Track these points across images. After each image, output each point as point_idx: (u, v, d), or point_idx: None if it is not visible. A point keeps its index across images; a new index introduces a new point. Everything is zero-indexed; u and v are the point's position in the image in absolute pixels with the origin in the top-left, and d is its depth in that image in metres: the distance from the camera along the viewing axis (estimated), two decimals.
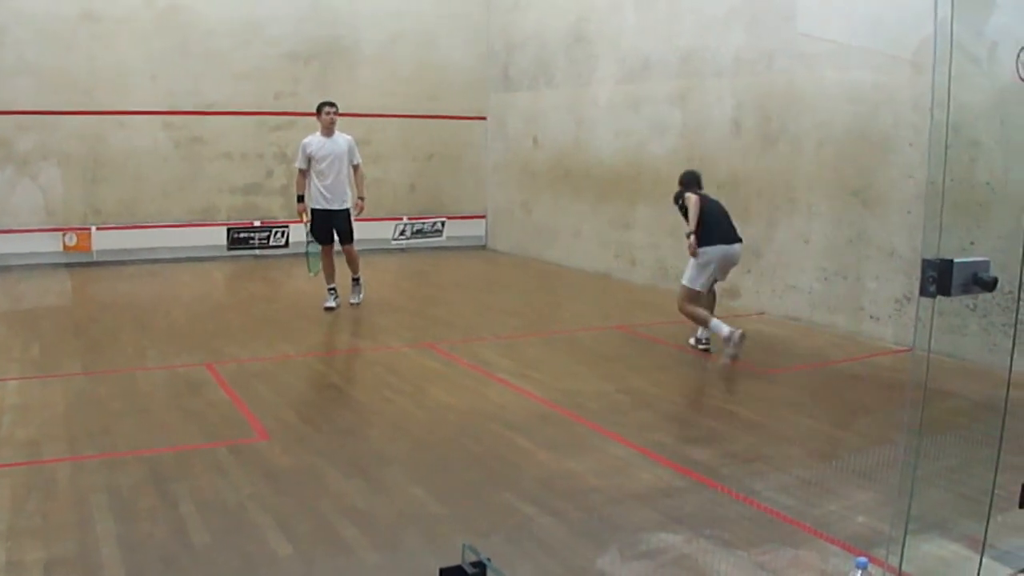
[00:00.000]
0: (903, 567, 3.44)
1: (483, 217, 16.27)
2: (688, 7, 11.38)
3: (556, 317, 10.57)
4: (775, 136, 10.16)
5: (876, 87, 8.93)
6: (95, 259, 13.23)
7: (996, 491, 3.68)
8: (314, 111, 10.01)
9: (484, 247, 16.12)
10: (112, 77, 13.19)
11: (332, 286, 10.29)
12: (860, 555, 3.43)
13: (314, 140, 10.05)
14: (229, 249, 14.19)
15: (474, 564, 3.22)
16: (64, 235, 13.17)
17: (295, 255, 14.12)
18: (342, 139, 10.12)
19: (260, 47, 14.08)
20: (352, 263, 10.44)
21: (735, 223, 8.43)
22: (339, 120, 10.03)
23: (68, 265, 12.98)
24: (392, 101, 15.01)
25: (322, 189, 10.03)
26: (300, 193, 10.26)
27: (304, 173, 10.12)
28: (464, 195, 16.21)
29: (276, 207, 14.54)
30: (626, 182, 12.30)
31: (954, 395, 6.61)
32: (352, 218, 10.28)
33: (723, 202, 8.50)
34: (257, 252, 14.34)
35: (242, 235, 14.27)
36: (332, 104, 10.06)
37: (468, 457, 5.60)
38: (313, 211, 10.20)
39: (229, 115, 13.99)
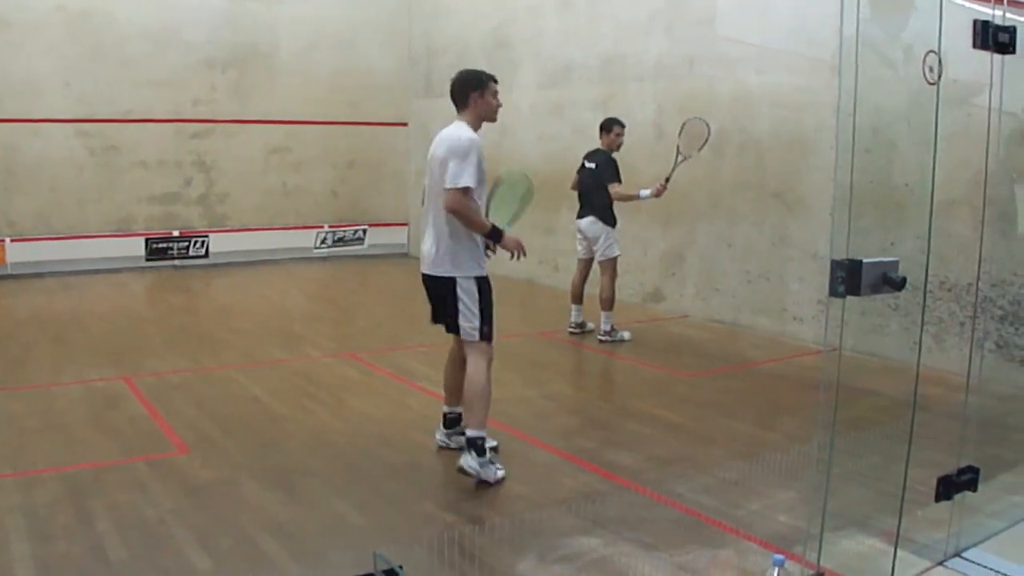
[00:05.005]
0: (821, 562, 3.47)
1: (405, 225, 16.20)
2: (608, 12, 11.44)
3: None
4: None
5: (797, 90, 9.05)
6: (9, 272, 12.90)
7: (915, 486, 3.73)
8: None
9: (406, 255, 15.99)
10: (24, 84, 12.88)
11: (455, 411, 5.82)
12: (778, 553, 3.46)
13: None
14: (148, 260, 13.91)
15: (386, 572, 3.20)
16: None
17: (215, 265, 14.00)
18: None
19: (176, 54, 13.84)
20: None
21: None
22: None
23: None
24: (312, 108, 14.82)
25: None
26: (492, 223, 5.29)
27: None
28: (386, 202, 16.13)
29: (195, 216, 14.32)
30: (549, 187, 12.20)
31: (876, 393, 6.68)
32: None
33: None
34: (176, 263, 14.09)
35: (160, 245, 14.00)
36: (493, 79, 5.45)
37: (389, 467, 5.55)
38: (482, 280, 5.35)
39: (146, 123, 13.73)
